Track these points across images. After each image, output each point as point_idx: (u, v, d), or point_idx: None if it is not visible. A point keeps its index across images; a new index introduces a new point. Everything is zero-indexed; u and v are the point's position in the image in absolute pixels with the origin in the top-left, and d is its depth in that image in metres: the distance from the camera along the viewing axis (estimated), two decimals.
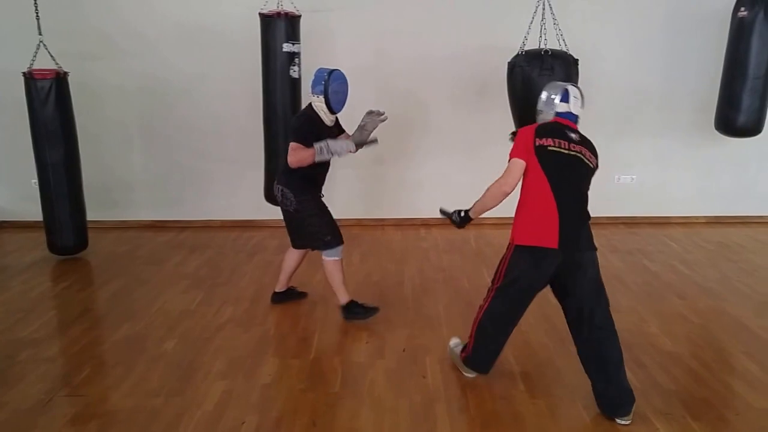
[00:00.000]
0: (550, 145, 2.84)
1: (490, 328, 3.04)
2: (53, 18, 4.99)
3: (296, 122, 3.77)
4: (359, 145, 3.74)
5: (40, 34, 4.81)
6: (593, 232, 2.95)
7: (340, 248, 3.84)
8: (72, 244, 5.11)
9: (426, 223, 5.97)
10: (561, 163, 2.83)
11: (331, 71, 3.67)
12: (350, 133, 3.90)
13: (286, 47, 4.82)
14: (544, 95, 3.05)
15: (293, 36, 4.86)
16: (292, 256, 4.12)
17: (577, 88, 3.04)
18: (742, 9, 5.10)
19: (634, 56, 5.80)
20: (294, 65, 4.90)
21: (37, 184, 5.05)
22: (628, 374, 2.93)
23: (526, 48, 4.80)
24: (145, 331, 3.84)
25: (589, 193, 2.94)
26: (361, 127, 3.83)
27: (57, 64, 4.85)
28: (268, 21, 4.83)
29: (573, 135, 2.91)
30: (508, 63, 4.90)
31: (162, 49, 5.75)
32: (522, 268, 2.87)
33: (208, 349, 3.59)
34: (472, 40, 5.67)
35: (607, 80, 5.74)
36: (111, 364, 3.46)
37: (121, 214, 6.11)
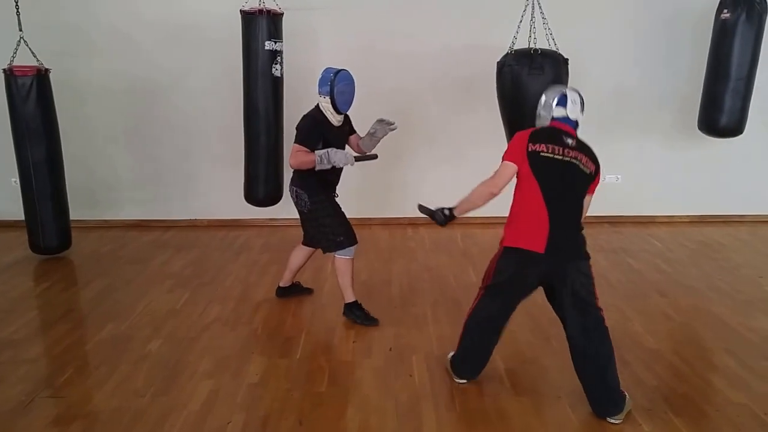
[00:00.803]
0: (543, 151, 2.81)
1: (477, 329, 3.05)
2: (34, 14, 4.93)
3: (301, 123, 3.74)
4: (359, 159, 3.76)
5: (20, 30, 4.75)
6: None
7: (353, 248, 3.84)
8: (55, 243, 5.06)
9: (413, 223, 5.97)
10: (554, 169, 2.80)
11: (338, 71, 3.66)
12: (361, 135, 3.94)
13: (268, 45, 4.79)
14: (542, 99, 3.00)
15: (275, 34, 4.82)
16: (299, 253, 4.14)
17: (577, 92, 2.96)
18: (725, 11, 5.15)
19: (618, 57, 5.85)
20: (276, 64, 4.86)
21: (17, 182, 4.99)
22: None
23: (516, 47, 4.75)
24: (130, 331, 3.81)
25: (592, 199, 2.95)
26: (371, 134, 3.88)
27: (38, 61, 4.80)
28: (249, 19, 4.78)
29: (569, 140, 2.86)
30: (497, 62, 4.86)
31: (145, 47, 5.71)
32: (509, 270, 2.88)
33: (194, 349, 3.57)
34: (460, 38, 5.69)
35: (592, 80, 5.77)
36: (94, 364, 3.43)
37: (104, 214, 6.06)
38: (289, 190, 3.89)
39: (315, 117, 3.72)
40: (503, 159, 2.92)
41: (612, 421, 2.81)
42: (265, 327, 3.89)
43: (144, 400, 3.04)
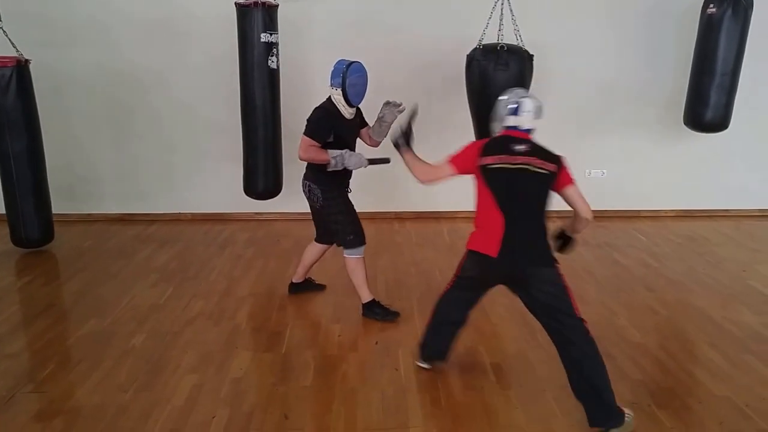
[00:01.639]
0: (492, 163, 2.82)
1: (444, 307, 3.12)
2: (13, 3, 4.85)
3: (313, 115, 3.65)
4: (372, 162, 3.69)
5: None
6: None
7: (362, 248, 3.80)
8: (36, 236, 4.98)
9: (399, 217, 5.97)
10: (504, 178, 2.80)
11: (351, 63, 3.60)
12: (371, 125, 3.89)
13: (264, 37, 4.75)
14: (497, 106, 2.99)
15: (271, 26, 4.78)
16: (313, 249, 4.09)
17: (533, 99, 2.92)
18: (711, 6, 5.18)
19: (604, 52, 5.85)
20: (272, 56, 4.83)
21: None
22: None
23: (485, 42, 4.83)
24: (113, 325, 3.77)
25: (578, 189, 2.85)
26: (380, 119, 3.82)
27: (18, 51, 4.71)
28: (245, 11, 4.74)
29: (519, 147, 2.82)
30: (467, 56, 4.94)
31: (130, 38, 5.62)
32: (472, 270, 2.94)
33: (178, 344, 3.54)
34: (456, 31, 5.58)
35: (578, 75, 5.79)
36: (77, 359, 3.38)
37: (87, 207, 5.99)
38: (302, 184, 3.81)
39: (327, 109, 3.65)
40: (448, 159, 2.97)
41: None
42: (250, 322, 3.86)
43: (127, 395, 3.01)
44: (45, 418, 2.84)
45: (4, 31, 4.66)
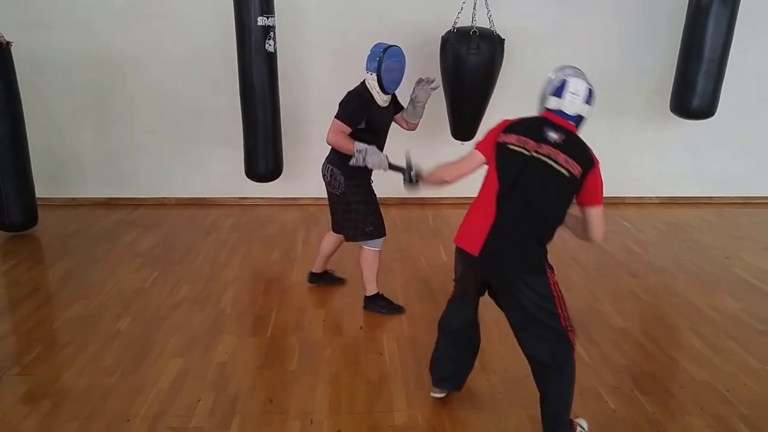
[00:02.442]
0: (511, 143, 2.45)
1: (447, 317, 2.85)
2: None
3: (346, 99, 3.45)
4: (392, 168, 3.27)
5: None
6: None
7: (381, 240, 3.66)
8: (20, 220, 4.93)
9: (384, 203, 5.91)
10: (518, 165, 2.41)
11: (388, 47, 3.40)
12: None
13: (261, 21, 4.70)
14: (545, 83, 2.61)
15: (268, 9, 4.74)
16: (330, 239, 3.94)
17: (583, 81, 2.53)
18: None
19: (590, 38, 5.82)
20: (269, 39, 4.79)
21: None
22: (581, 351, 2.97)
23: (459, 25, 4.85)
24: (98, 309, 3.76)
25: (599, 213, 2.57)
26: (413, 100, 3.64)
27: None
28: None
29: (552, 134, 2.42)
30: (441, 37, 4.95)
31: (115, 19, 5.52)
32: (457, 268, 2.71)
33: (163, 328, 3.54)
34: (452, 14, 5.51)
35: (564, 61, 5.70)
36: (63, 343, 3.38)
37: (71, 191, 5.91)
38: (323, 168, 3.62)
39: (362, 94, 3.44)
40: (475, 146, 2.60)
41: None
42: (235, 306, 3.86)
43: (113, 378, 3.02)
44: (32, 399, 2.86)
45: None
